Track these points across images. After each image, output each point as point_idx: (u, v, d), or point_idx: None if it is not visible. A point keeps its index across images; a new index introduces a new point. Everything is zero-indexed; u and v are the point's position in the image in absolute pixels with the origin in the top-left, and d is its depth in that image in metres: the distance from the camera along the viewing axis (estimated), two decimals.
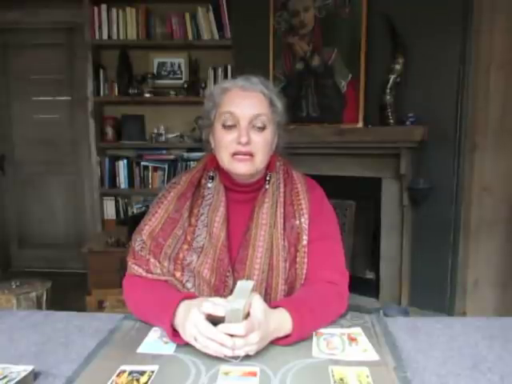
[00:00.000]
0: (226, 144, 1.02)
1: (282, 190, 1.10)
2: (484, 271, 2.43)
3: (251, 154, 1.02)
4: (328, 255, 1.06)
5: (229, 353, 0.78)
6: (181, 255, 1.04)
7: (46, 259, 3.77)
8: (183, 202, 1.08)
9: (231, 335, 0.78)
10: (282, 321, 0.87)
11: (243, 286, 0.86)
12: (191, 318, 0.82)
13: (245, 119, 1.01)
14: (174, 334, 0.87)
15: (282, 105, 1.09)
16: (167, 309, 0.88)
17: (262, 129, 1.03)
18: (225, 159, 1.03)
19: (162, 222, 1.06)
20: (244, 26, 2.93)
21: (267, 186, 1.10)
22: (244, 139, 1.00)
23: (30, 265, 3.74)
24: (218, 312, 0.80)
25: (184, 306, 0.88)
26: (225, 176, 1.09)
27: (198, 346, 0.81)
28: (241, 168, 1.02)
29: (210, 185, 1.10)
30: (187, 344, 0.84)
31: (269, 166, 1.11)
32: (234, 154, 1.02)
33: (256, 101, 1.03)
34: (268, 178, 1.10)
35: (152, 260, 1.03)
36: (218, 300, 0.84)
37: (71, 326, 0.99)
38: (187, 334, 0.83)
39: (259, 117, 1.02)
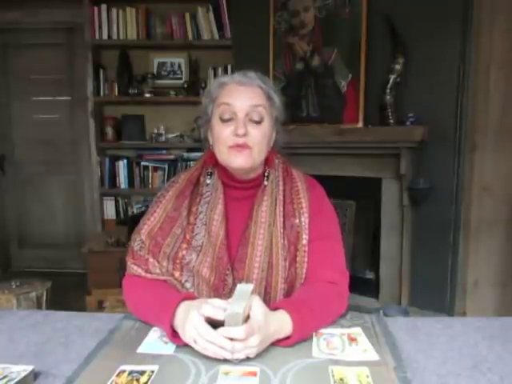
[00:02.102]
0: (223, 137, 1.01)
1: (281, 187, 1.10)
2: (484, 271, 2.43)
3: (248, 147, 1.01)
4: (328, 255, 1.06)
5: (228, 356, 0.78)
6: (180, 254, 1.03)
7: (46, 259, 3.77)
8: (182, 200, 1.08)
9: (231, 338, 0.78)
10: (282, 323, 0.87)
11: (243, 289, 0.85)
12: (191, 320, 0.82)
13: (242, 111, 1.01)
14: (174, 334, 0.87)
15: (280, 100, 1.08)
16: (167, 309, 0.88)
17: (260, 121, 1.02)
18: (222, 152, 1.03)
19: (161, 221, 1.06)
20: (244, 25, 2.93)
21: (266, 183, 1.09)
22: (241, 131, 0.99)
23: (30, 265, 3.74)
24: (218, 316, 0.80)
25: (184, 306, 0.88)
26: (223, 172, 1.09)
27: (197, 347, 0.81)
28: (238, 160, 1.01)
29: (208, 181, 1.10)
30: (187, 344, 0.84)
31: (267, 163, 1.10)
32: (232, 146, 1.01)
33: (253, 94, 1.03)
34: (267, 174, 1.10)
35: (151, 260, 1.03)
36: (217, 302, 0.83)
37: (71, 326, 0.99)
38: (187, 336, 0.83)
39: (256, 108, 1.02)
